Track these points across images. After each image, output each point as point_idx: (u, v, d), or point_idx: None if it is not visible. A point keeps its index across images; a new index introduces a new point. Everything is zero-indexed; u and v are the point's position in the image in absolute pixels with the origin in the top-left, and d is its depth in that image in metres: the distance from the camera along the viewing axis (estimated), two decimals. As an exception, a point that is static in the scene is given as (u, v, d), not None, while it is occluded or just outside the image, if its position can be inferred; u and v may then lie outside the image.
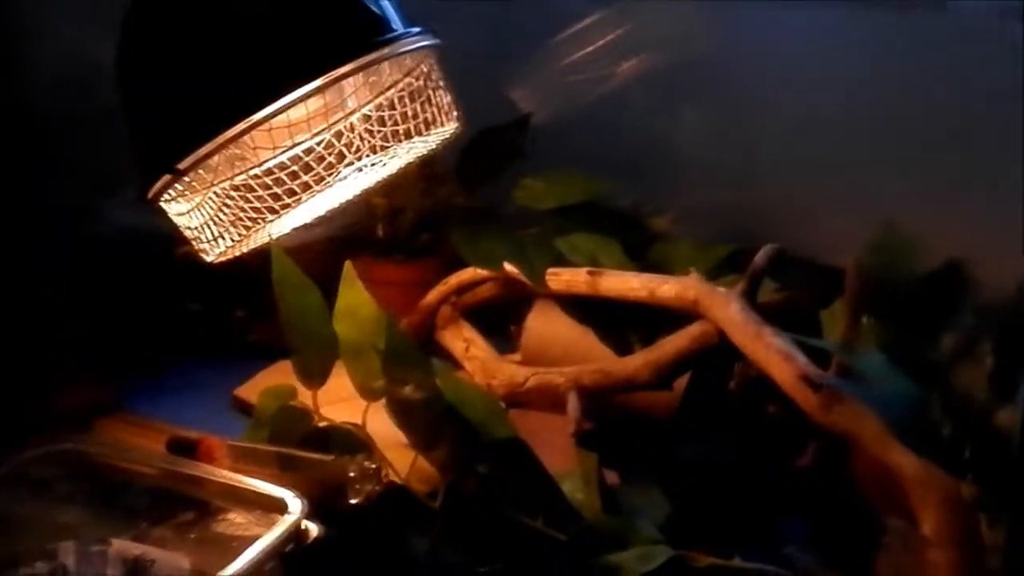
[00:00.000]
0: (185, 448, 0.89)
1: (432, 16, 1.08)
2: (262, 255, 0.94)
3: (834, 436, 0.81)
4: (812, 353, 0.86)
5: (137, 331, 1.11)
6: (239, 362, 1.13)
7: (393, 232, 1.20)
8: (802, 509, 0.87)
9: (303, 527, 0.75)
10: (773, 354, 0.87)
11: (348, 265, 0.92)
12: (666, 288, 1.01)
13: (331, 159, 0.88)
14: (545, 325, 1.11)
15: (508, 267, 1.10)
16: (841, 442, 0.83)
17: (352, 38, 0.85)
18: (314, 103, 0.85)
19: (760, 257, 0.97)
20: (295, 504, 0.76)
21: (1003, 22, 1.02)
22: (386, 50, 0.87)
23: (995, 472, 0.70)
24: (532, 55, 1.33)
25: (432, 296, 1.15)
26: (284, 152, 0.86)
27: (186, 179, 0.86)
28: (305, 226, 1.00)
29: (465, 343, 1.13)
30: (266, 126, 0.84)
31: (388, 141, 0.91)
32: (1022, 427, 0.66)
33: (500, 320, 1.18)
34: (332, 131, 0.87)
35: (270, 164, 0.86)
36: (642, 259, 1.12)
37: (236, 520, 0.78)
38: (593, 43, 1.32)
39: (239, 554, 0.71)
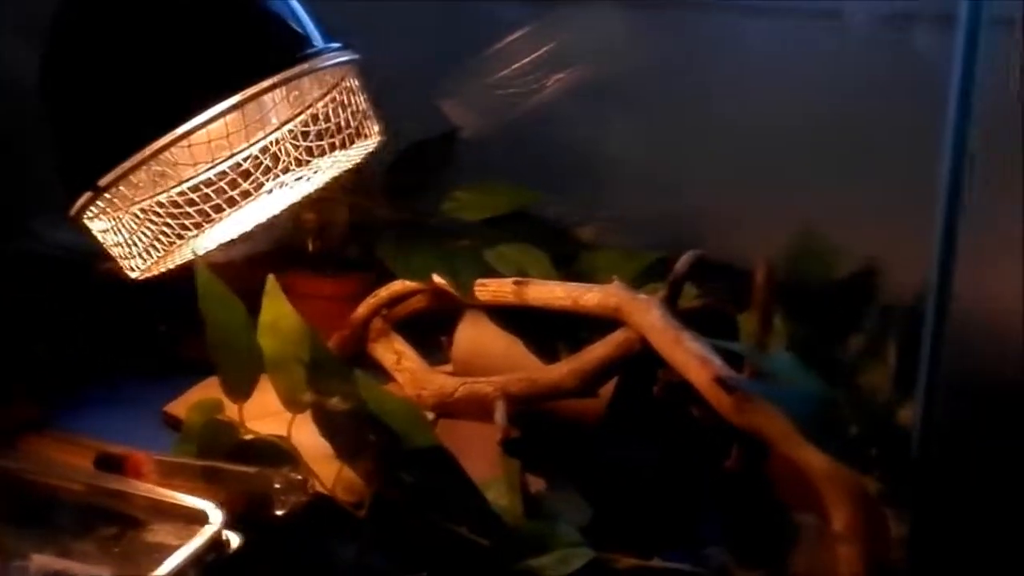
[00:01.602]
0: (112, 464, 0.90)
1: (363, 28, 1.10)
2: (187, 270, 0.94)
3: (750, 437, 0.83)
4: (731, 356, 0.88)
5: (63, 348, 1.11)
6: (170, 378, 1.13)
7: (323, 246, 1.21)
8: (724, 509, 0.88)
9: (224, 537, 0.75)
10: (691, 358, 0.89)
11: (271, 279, 0.93)
12: (589, 296, 1.03)
13: (256, 174, 0.89)
14: (474, 335, 1.12)
15: (437, 279, 1.11)
16: (761, 444, 0.85)
17: (270, 54, 0.87)
18: (234, 120, 0.86)
19: (680, 264, 0.99)
20: (215, 515, 0.76)
21: (900, 30, 1.04)
22: (305, 66, 0.88)
23: (899, 468, 0.72)
24: (464, 68, 1.34)
25: (362, 309, 1.16)
26: (205, 170, 0.87)
27: (107, 196, 0.87)
28: (233, 241, 1.01)
29: (396, 355, 1.14)
30: (185, 143, 0.84)
31: (310, 155, 0.92)
32: (920, 423, 0.68)
33: (431, 331, 1.19)
34: (255, 147, 0.89)
35: (191, 182, 0.86)
36: (569, 268, 1.14)
37: (159, 533, 0.78)
38: (525, 55, 1.34)
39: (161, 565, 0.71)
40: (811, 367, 0.80)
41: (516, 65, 1.33)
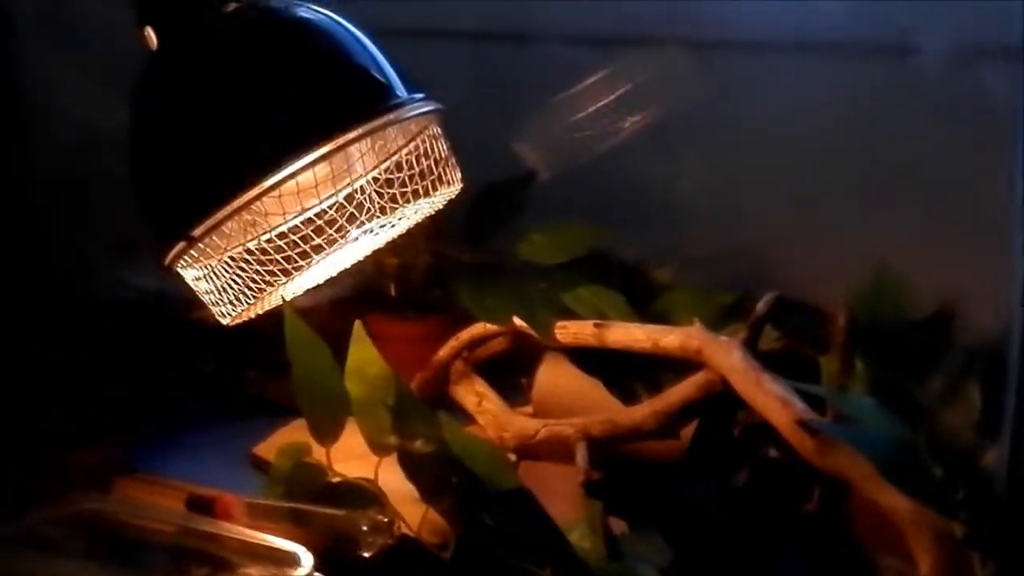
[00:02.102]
0: (202, 506, 0.92)
1: (440, 73, 1.12)
2: (274, 316, 0.97)
3: (832, 479, 0.84)
4: (811, 398, 0.88)
5: (153, 392, 1.14)
6: (256, 421, 1.16)
7: (404, 289, 1.23)
8: (804, 551, 0.88)
9: (315, 579, 0.77)
10: (772, 400, 0.89)
11: (358, 324, 0.95)
12: (670, 338, 1.03)
13: (342, 222, 0.91)
14: (555, 377, 1.13)
15: (517, 321, 1.13)
16: (842, 486, 0.85)
17: (357, 105, 0.89)
18: (321, 169, 0.89)
19: (761, 306, 1.00)
20: (307, 558, 0.78)
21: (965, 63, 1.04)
22: (391, 116, 0.90)
23: (984, 511, 0.72)
24: (540, 111, 1.36)
25: (444, 352, 1.18)
26: (293, 219, 0.89)
27: (200, 245, 0.89)
28: (318, 286, 1.03)
29: (477, 397, 1.15)
30: (275, 192, 0.87)
31: (395, 203, 0.94)
32: (1008, 467, 0.67)
33: (512, 373, 1.21)
34: (341, 195, 0.91)
35: (279, 230, 0.89)
36: (647, 310, 1.15)
37: (250, 575, 0.80)
38: (600, 98, 1.35)
39: (254, 607, 0.73)
40: (892, 409, 0.80)
41: (591, 108, 1.35)
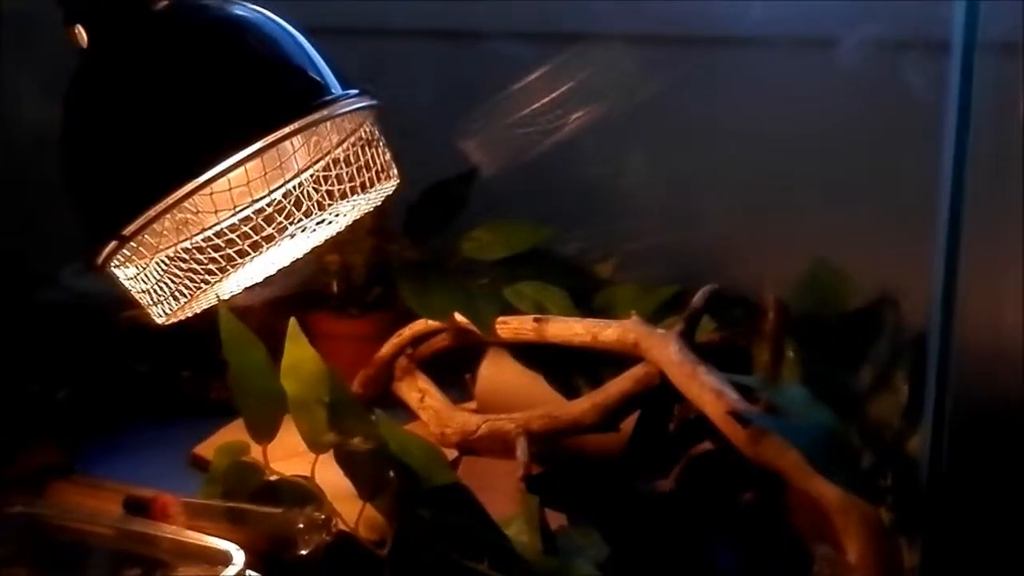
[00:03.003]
0: (140, 507, 0.91)
1: (381, 71, 1.12)
2: (213, 314, 0.96)
3: (766, 469, 0.84)
4: (751, 390, 0.89)
5: (88, 395, 1.14)
6: (199, 421, 1.15)
7: (347, 288, 1.23)
8: (741, 542, 0.89)
9: (247, 576, 0.77)
10: (707, 392, 0.90)
11: (293, 322, 0.95)
12: (608, 332, 1.04)
13: (280, 219, 0.90)
14: (497, 373, 1.14)
15: (459, 317, 1.13)
16: (777, 476, 0.86)
17: (289, 102, 0.88)
18: (254, 167, 0.88)
19: (697, 298, 1.01)
20: (238, 556, 0.78)
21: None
22: (324, 112, 0.90)
23: (909, 497, 0.72)
24: (483, 108, 1.36)
25: (386, 349, 1.18)
26: (227, 218, 0.89)
27: (132, 244, 0.89)
28: (258, 285, 1.03)
29: (420, 393, 1.16)
30: (207, 190, 0.86)
31: (331, 200, 0.93)
32: (929, 452, 0.68)
33: (456, 370, 1.21)
34: (276, 193, 0.90)
35: (213, 229, 0.88)
36: (588, 304, 1.15)
37: (184, 575, 0.80)
38: (543, 94, 1.36)
39: (185, 606, 0.73)
40: (824, 399, 0.81)
41: (535, 104, 1.35)
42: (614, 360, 1.06)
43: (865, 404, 0.80)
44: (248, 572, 0.78)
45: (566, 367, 1.11)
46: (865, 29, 1.14)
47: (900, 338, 0.83)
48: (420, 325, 1.16)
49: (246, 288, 1.01)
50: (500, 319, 1.11)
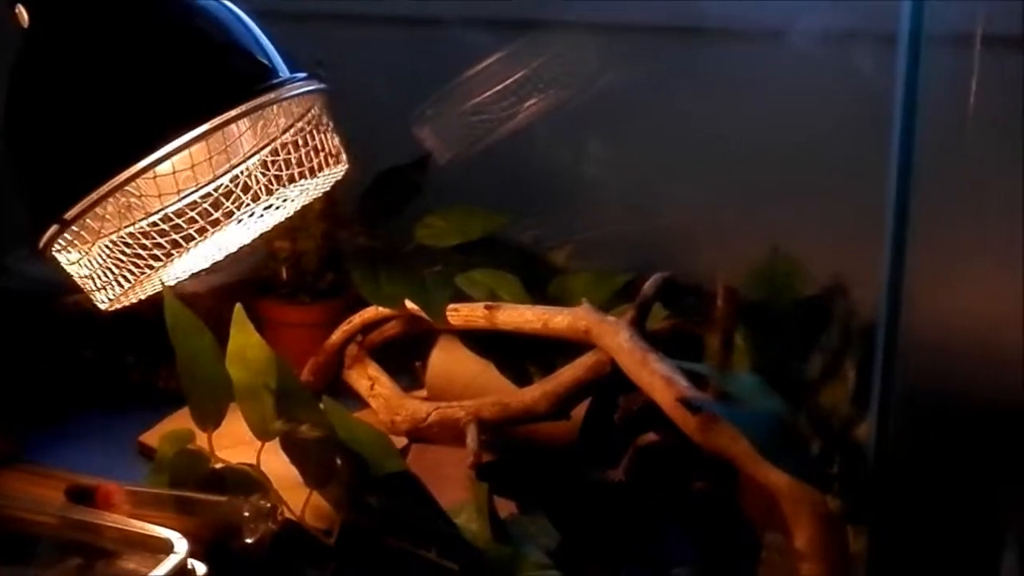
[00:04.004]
0: (83, 495, 0.90)
1: (336, 56, 1.10)
2: (159, 301, 0.95)
3: (716, 457, 0.84)
4: (701, 377, 0.88)
5: (33, 382, 1.12)
6: (149, 409, 1.14)
7: (297, 274, 1.21)
8: (691, 529, 0.89)
9: (189, 566, 0.76)
10: (657, 379, 0.89)
11: (238, 308, 0.94)
12: (559, 319, 1.03)
13: (228, 204, 0.89)
14: (448, 360, 1.13)
15: (409, 304, 1.12)
16: (728, 464, 0.86)
17: (233, 85, 0.87)
18: (199, 151, 0.87)
19: (648, 286, 1.00)
20: (181, 544, 0.77)
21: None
22: (270, 95, 0.89)
23: (856, 484, 0.72)
24: (438, 94, 1.35)
25: (336, 336, 1.17)
26: (171, 203, 0.87)
27: (74, 229, 0.87)
28: (209, 271, 1.01)
29: (370, 381, 1.15)
30: (150, 174, 0.85)
31: (278, 184, 0.92)
32: (875, 440, 0.68)
33: (407, 357, 1.20)
34: (223, 178, 0.89)
35: (156, 215, 0.87)
36: (542, 292, 1.15)
37: (127, 563, 0.79)
38: (499, 81, 1.35)
39: (125, 596, 0.72)
40: (774, 386, 0.81)
41: (490, 91, 1.34)
42: (568, 348, 1.05)
43: (815, 392, 0.80)
44: (191, 560, 0.76)
45: (519, 355, 1.10)
46: (814, 20, 1.14)
47: (851, 327, 0.83)
48: (370, 312, 1.15)
49: (194, 274, 1.00)
50: (451, 306, 1.10)
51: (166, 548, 0.77)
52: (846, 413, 0.77)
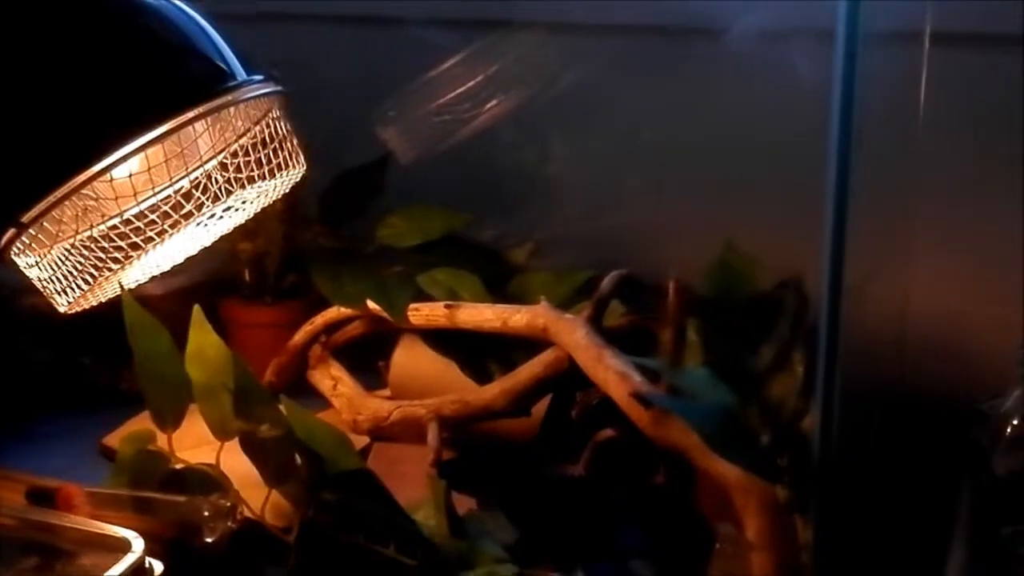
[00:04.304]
0: (43, 497, 0.90)
1: (299, 56, 1.11)
2: (118, 303, 0.95)
3: (669, 450, 0.85)
4: (654, 372, 0.89)
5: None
6: (111, 411, 1.14)
7: (259, 276, 1.22)
8: (647, 523, 0.90)
9: (146, 564, 0.77)
10: (612, 375, 0.91)
11: (197, 309, 0.94)
12: (518, 317, 1.04)
13: (189, 206, 0.90)
14: (410, 360, 1.14)
15: (371, 304, 1.13)
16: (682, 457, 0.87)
17: (190, 88, 0.88)
18: (155, 154, 0.87)
19: (605, 283, 1.02)
20: (138, 543, 0.78)
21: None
22: (227, 98, 0.89)
23: (803, 475, 0.74)
24: (401, 94, 1.36)
25: (299, 336, 1.18)
26: (128, 207, 0.88)
27: (32, 232, 0.88)
28: (170, 274, 1.02)
29: (333, 381, 1.15)
30: (106, 177, 0.86)
31: (237, 186, 0.93)
32: (819, 430, 0.69)
33: (371, 357, 1.21)
34: (181, 181, 0.90)
35: (114, 219, 0.87)
36: (503, 291, 1.16)
37: (84, 563, 0.79)
38: (462, 82, 1.36)
39: (82, 594, 0.73)
40: (726, 380, 0.82)
41: (454, 92, 1.35)
42: (528, 345, 1.06)
43: (764, 384, 0.81)
44: (148, 559, 0.77)
45: (480, 353, 1.11)
46: (775, 17, 1.15)
47: (802, 320, 0.84)
48: (332, 313, 1.16)
49: (156, 276, 1.00)
50: (412, 306, 1.11)
51: (124, 547, 0.78)
52: (795, 405, 0.78)
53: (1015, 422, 0.81)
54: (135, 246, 0.89)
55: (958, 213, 1.04)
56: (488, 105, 1.33)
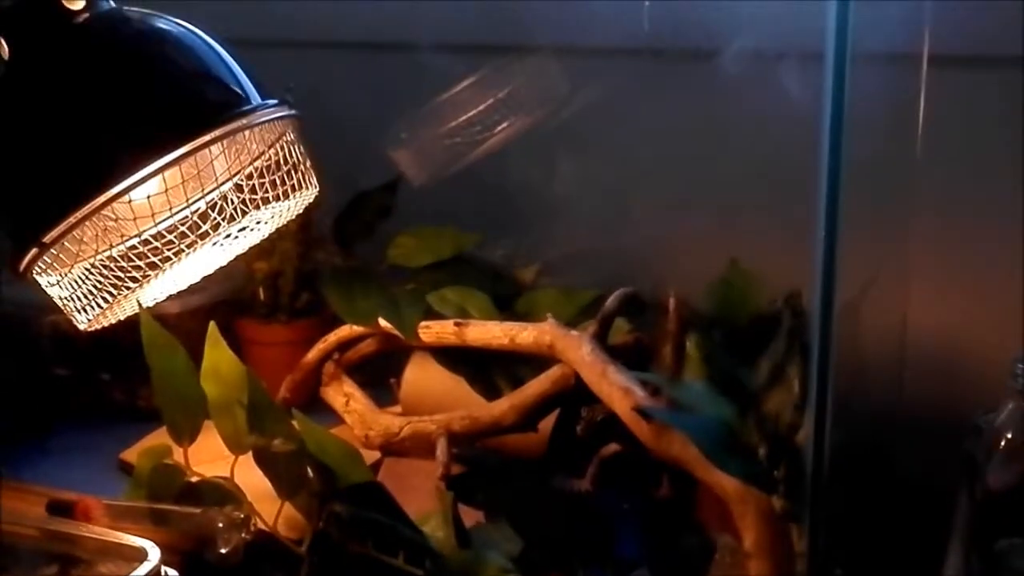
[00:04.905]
0: (63, 509, 0.93)
1: (313, 81, 1.13)
2: (136, 321, 0.98)
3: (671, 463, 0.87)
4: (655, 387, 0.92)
5: (16, 399, 1.15)
6: (130, 427, 1.17)
7: (274, 294, 1.25)
8: (649, 534, 0.92)
9: (162, 573, 0.79)
10: (616, 390, 0.93)
11: (212, 326, 0.97)
12: (525, 335, 1.07)
13: (205, 227, 0.92)
14: (421, 376, 1.16)
15: (383, 322, 1.15)
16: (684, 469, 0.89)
17: (206, 112, 0.90)
18: (172, 176, 0.90)
19: (610, 301, 1.04)
20: (154, 552, 0.80)
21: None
22: (242, 121, 0.92)
23: (798, 486, 0.76)
24: (413, 118, 1.39)
25: (312, 354, 1.20)
26: (148, 228, 0.91)
27: (53, 251, 0.91)
28: (188, 293, 1.05)
29: (345, 397, 1.18)
30: (125, 199, 0.88)
31: (251, 208, 0.95)
32: (812, 442, 0.71)
33: (384, 374, 1.23)
34: (198, 203, 0.92)
35: (133, 240, 0.90)
36: (511, 309, 1.18)
37: (101, 571, 0.82)
38: (473, 105, 1.38)
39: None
40: (724, 394, 0.84)
41: (463, 116, 1.38)
42: (537, 362, 1.08)
43: (762, 399, 0.83)
44: (164, 568, 0.80)
45: (489, 369, 1.13)
46: (782, 38, 1.17)
47: (799, 335, 0.86)
48: (344, 331, 1.19)
49: (173, 295, 1.03)
50: (423, 324, 1.13)
51: (140, 556, 0.80)
52: (791, 418, 0.80)
53: (1009, 436, 0.83)
54: (153, 265, 0.92)
55: (956, 230, 1.07)
56: (497, 128, 1.35)
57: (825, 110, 0.68)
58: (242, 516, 0.90)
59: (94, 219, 0.89)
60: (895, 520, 0.87)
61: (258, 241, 1.03)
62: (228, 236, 0.97)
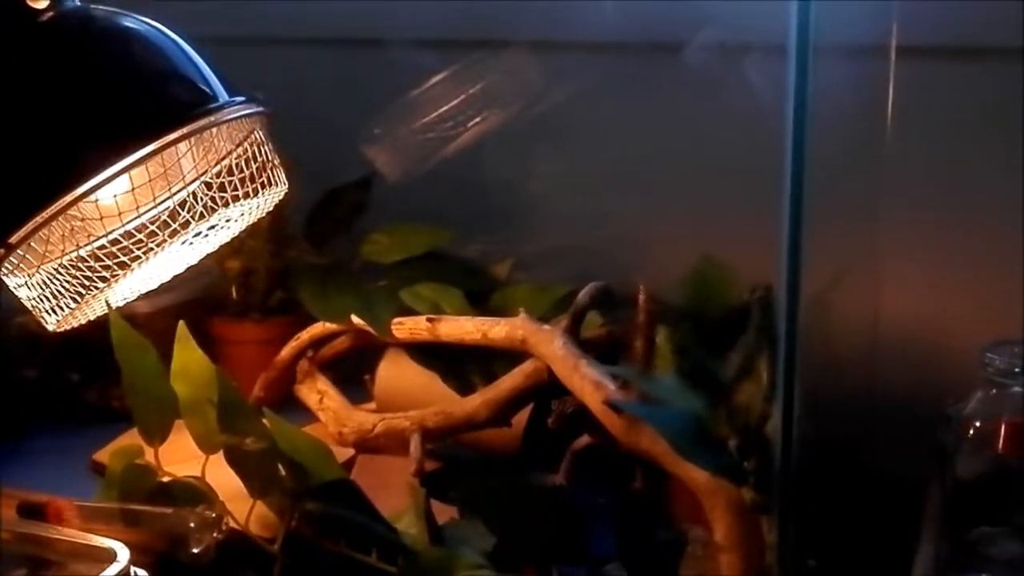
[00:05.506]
0: (34, 511, 0.92)
1: (284, 77, 1.13)
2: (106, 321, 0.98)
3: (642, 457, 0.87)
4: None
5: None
6: (103, 429, 1.16)
7: (247, 293, 1.25)
8: (622, 528, 0.92)
9: (132, 574, 0.79)
10: (587, 383, 0.93)
11: (181, 325, 0.97)
12: (497, 330, 1.07)
13: (175, 225, 0.92)
14: (395, 373, 1.16)
15: (356, 319, 1.15)
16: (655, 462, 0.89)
17: (173, 110, 0.90)
18: (139, 175, 0.90)
19: (582, 295, 1.04)
20: (123, 553, 0.80)
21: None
22: (210, 119, 0.91)
23: (768, 478, 0.76)
24: (386, 114, 1.38)
25: (285, 352, 1.20)
26: (112, 229, 0.90)
27: (20, 252, 0.90)
28: (159, 292, 1.04)
29: (319, 395, 1.18)
30: (92, 198, 0.88)
31: (221, 206, 0.95)
32: (780, 433, 0.71)
33: (358, 371, 1.23)
34: (166, 202, 0.92)
35: (99, 241, 0.90)
36: (485, 305, 1.18)
37: (72, 574, 0.81)
38: (446, 100, 1.38)
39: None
40: (695, 387, 0.84)
41: (437, 111, 1.37)
42: (511, 357, 1.08)
43: (731, 391, 0.83)
44: (134, 569, 0.79)
45: (462, 365, 1.13)
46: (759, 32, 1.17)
47: (769, 328, 0.86)
48: (318, 328, 1.18)
49: (145, 295, 1.02)
50: (396, 320, 1.13)
51: (109, 558, 0.80)
52: (761, 410, 0.80)
53: (977, 424, 0.83)
54: (122, 265, 0.91)
55: (926, 222, 1.07)
56: (470, 123, 1.35)
57: (788, 102, 0.68)
58: (214, 515, 0.89)
59: (61, 219, 0.88)
60: (867, 511, 0.87)
61: (229, 239, 1.03)
62: (198, 234, 0.97)
